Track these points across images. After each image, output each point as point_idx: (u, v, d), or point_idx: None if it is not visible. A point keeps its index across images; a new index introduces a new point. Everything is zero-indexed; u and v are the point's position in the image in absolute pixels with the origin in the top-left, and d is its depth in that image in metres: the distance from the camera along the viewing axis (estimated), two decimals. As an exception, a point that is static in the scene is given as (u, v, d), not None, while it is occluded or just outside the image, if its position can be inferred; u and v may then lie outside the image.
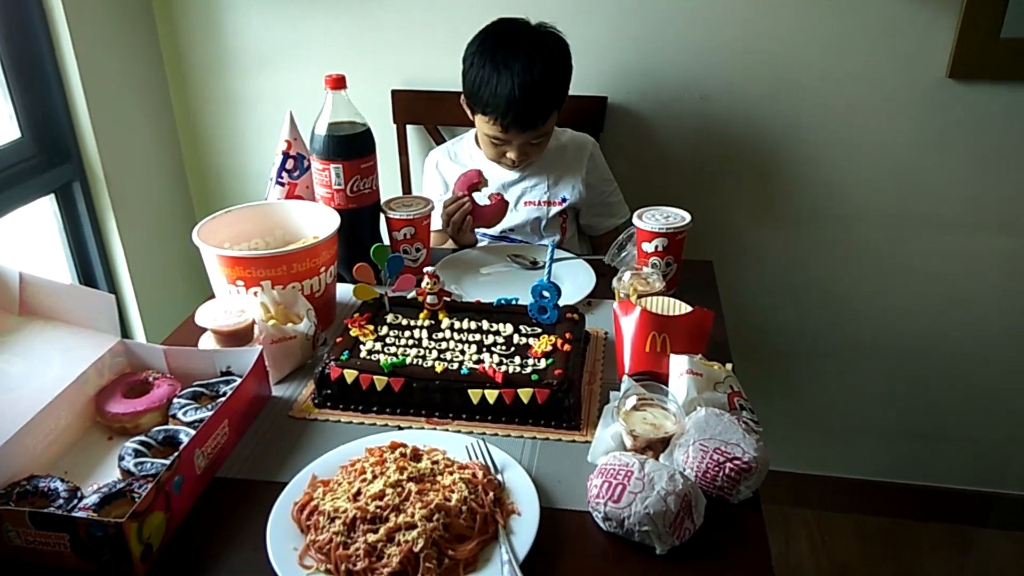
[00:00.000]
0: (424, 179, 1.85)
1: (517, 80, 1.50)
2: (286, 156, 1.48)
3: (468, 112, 1.64)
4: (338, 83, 1.37)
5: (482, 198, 1.59)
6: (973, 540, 2.13)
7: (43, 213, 1.73)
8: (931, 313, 1.93)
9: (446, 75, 1.84)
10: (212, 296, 1.29)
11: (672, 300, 1.19)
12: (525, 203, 1.71)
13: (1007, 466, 2.10)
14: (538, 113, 1.55)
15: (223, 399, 1.03)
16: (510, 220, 1.70)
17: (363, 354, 1.13)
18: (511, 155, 1.62)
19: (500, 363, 1.10)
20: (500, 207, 1.59)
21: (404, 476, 0.91)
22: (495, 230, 1.71)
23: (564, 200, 1.70)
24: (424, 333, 1.18)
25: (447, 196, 1.62)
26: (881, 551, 2.11)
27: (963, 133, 1.73)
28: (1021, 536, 2.12)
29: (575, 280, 1.44)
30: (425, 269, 1.22)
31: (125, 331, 1.89)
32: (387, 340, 1.17)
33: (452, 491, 0.89)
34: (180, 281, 2.04)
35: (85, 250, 1.80)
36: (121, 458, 0.97)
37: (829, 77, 1.73)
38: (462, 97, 1.64)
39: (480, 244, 1.67)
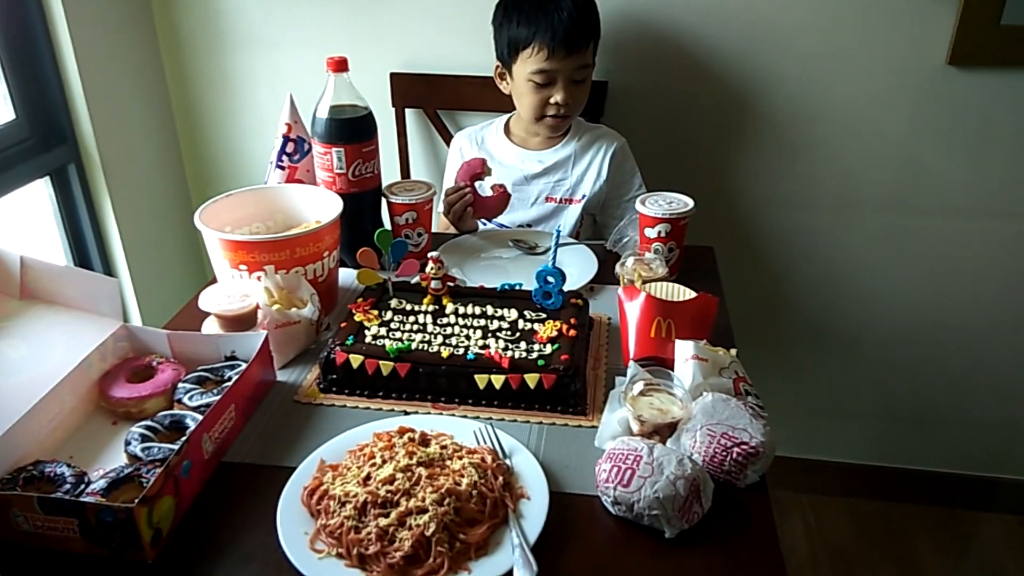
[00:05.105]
0: (448, 162, 1.83)
1: (561, 2, 1.50)
2: (286, 139, 1.46)
3: (500, 82, 1.63)
4: (340, 66, 1.35)
5: (485, 188, 1.58)
6: (966, 523, 2.16)
7: (38, 196, 1.71)
8: (930, 297, 1.95)
9: (446, 59, 1.83)
10: (209, 280, 1.28)
11: (677, 286, 1.19)
12: (546, 199, 1.68)
13: (1001, 451, 2.12)
14: (582, 32, 1.52)
15: (228, 384, 1.02)
16: (527, 215, 1.68)
17: (368, 339, 1.13)
18: (557, 97, 1.56)
19: (506, 348, 1.10)
20: (502, 199, 1.57)
21: (414, 461, 0.91)
22: (505, 219, 1.69)
23: (584, 197, 1.67)
24: (428, 318, 1.18)
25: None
26: (874, 534, 2.13)
27: (963, 120, 1.74)
28: (1013, 520, 2.15)
29: (577, 265, 1.43)
30: (430, 254, 1.22)
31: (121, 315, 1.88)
32: (392, 325, 1.16)
33: (462, 475, 0.90)
34: (176, 264, 2.03)
35: (80, 233, 1.79)
36: (128, 443, 0.96)
37: (829, 63, 1.73)
38: (495, 66, 1.63)
39: (482, 229, 1.66)
